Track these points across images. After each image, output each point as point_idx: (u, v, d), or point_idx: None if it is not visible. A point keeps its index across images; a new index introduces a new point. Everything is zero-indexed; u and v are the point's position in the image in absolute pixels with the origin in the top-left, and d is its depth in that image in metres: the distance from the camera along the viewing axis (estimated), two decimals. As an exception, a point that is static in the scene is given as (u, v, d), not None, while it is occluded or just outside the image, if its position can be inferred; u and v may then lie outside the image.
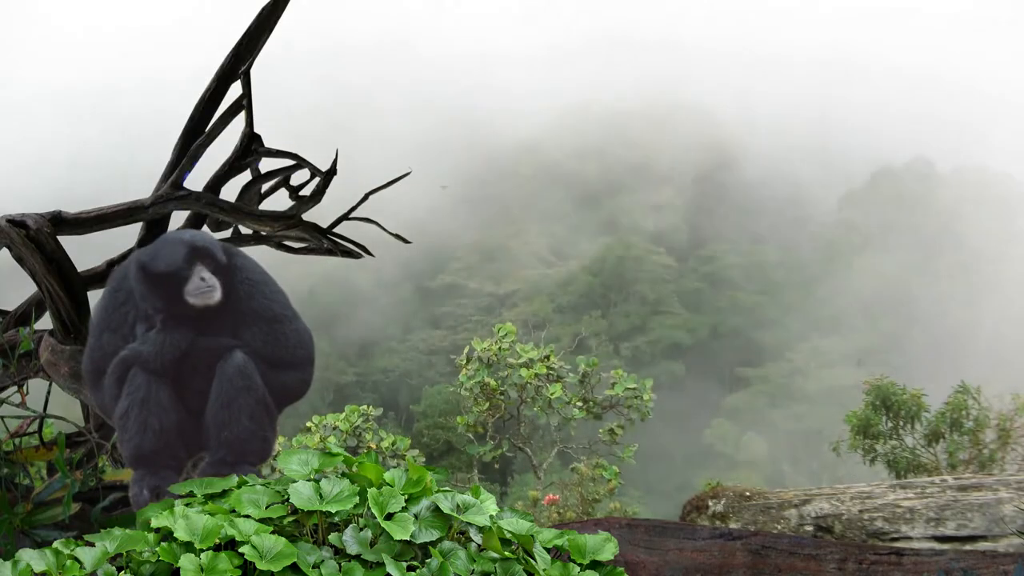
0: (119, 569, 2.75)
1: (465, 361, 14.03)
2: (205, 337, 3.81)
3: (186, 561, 2.67)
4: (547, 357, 13.71)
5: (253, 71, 4.81)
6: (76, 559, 2.72)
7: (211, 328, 3.83)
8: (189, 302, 3.76)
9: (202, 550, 2.72)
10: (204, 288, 3.77)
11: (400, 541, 2.86)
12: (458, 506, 3.02)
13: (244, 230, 5.19)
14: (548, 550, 3.12)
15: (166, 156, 4.81)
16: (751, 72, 78.75)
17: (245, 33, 4.75)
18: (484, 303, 59.21)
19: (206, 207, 4.80)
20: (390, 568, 2.77)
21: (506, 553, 2.98)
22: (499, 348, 13.71)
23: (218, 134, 4.80)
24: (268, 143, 4.95)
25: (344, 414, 13.78)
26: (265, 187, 5.23)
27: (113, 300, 3.95)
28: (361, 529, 2.90)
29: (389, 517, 2.89)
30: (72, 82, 76.23)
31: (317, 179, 4.98)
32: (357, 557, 2.83)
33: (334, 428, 13.50)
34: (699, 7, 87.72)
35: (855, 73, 77.85)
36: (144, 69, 77.43)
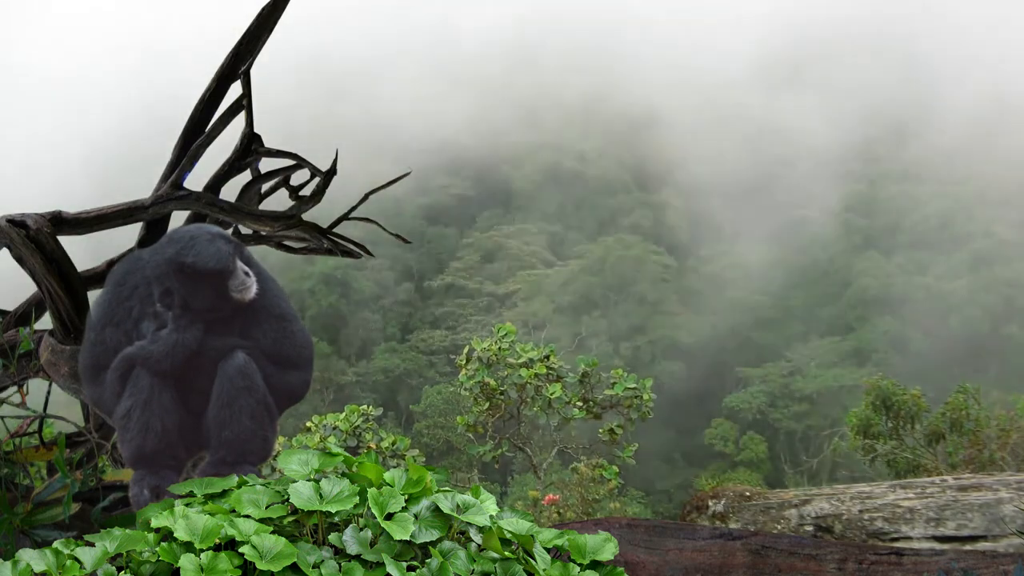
0: (119, 569, 2.75)
1: (465, 361, 14.02)
2: (213, 337, 3.81)
3: (186, 561, 2.67)
4: (547, 357, 13.69)
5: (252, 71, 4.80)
6: (76, 559, 2.72)
7: (222, 326, 3.83)
8: (234, 298, 3.77)
9: (202, 550, 2.72)
10: (248, 283, 3.78)
11: (400, 541, 2.86)
12: (458, 506, 3.02)
13: (244, 230, 5.19)
14: (548, 550, 3.12)
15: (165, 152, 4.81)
16: (753, 73, 78.79)
17: (245, 33, 4.74)
18: (484, 303, 59.17)
19: (206, 207, 4.79)
20: (390, 568, 2.77)
21: (506, 553, 2.98)
22: (499, 348, 13.69)
23: (218, 134, 4.79)
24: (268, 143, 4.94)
25: (344, 414, 13.76)
26: (265, 187, 5.22)
27: (116, 295, 3.92)
28: (361, 529, 2.90)
29: (389, 517, 2.89)
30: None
31: (317, 179, 4.98)
32: (357, 557, 2.83)
33: (334, 428, 13.48)
34: (703, 10, 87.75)
35: (855, 73, 77.89)
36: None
